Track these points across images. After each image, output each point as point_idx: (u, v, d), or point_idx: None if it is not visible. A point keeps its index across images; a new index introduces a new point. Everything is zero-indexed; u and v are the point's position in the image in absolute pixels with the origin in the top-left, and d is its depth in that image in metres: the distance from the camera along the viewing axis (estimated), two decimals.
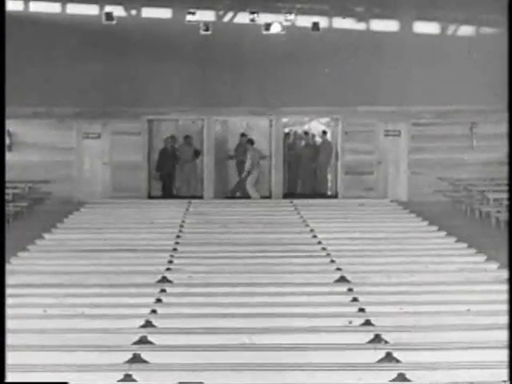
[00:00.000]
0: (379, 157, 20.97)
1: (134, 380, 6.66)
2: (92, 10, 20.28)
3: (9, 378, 6.33)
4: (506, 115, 17.93)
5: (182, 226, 14.49)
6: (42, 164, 20.34)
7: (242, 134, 21.21)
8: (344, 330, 7.97)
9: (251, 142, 20.70)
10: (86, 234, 13.69)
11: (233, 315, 8.34)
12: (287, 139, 22.66)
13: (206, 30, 20.06)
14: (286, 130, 23.22)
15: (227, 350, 7.26)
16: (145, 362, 7.05)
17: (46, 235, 13.60)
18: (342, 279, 10.18)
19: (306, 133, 23.39)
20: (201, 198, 20.50)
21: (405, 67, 20.23)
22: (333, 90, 20.40)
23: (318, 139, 22.82)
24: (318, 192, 21.57)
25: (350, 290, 9.52)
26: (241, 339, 7.57)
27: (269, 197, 20.68)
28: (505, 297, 8.27)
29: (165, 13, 20.59)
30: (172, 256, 11.65)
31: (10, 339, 6.72)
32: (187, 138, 21.33)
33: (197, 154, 21.19)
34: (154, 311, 8.50)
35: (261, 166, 20.61)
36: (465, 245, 12.63)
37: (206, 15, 20.32)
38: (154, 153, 21.42)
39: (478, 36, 20.74)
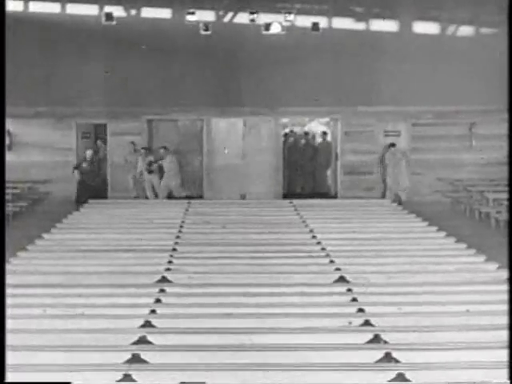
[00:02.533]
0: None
1: (133, 380, 6.67)
2: (92, 10, 20.29)
3: (9, 378, 6.34)
4: (505, 115, 17.99)
5: (181, 227, 14.48)
6: (41, 164, 20.36)
7: (392, 144, 20.65)
8: (343, 330, 7.98)
9: (393, 145, 20.55)
10: (85, 234, 13.68)
11: (232, 315, 8.34)
12: (287, 140, 22.68)
13: (206, 30, 20.07)
14: (287, 131, 23.24)
15: (227, 350, 7.27)
16: (144, 361, 7.06)
17: (46, 235, 13.60)
18: (342, 279, 10.18)
19: (306, 133, 23.41)
20: (201, 198, 20.51)
21: (404, 67, 20.24)
22: (332, 90, 20.40)
23: (319, 139, 22.84)
24: (317, 192, 21.57)
25: (350, 290, 9.53)
26: (241, 339, 7.58)
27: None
28: (504, 297, 8.28)
29: (164, 13, 20.60)
30: (171, 256, 11.65)
31: (9, 339, 6.72)
32: (144, 149, 20.83)
33: (150, 165, 20.55)
34: (153, 311, 8.51)
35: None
36: (464, 245, 12.63)
37: (206, 15, 20.33)
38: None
39: (477, 36, 20.75)
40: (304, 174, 22.19)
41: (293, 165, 21.98)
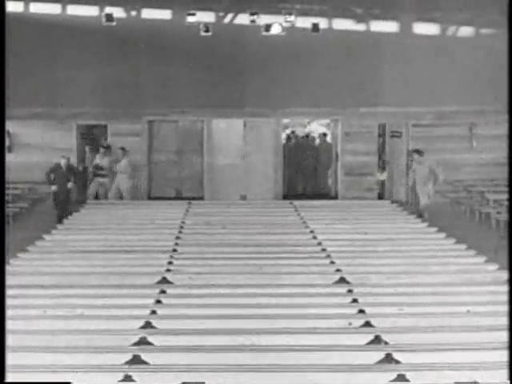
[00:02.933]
0: (383, 157, 21.09)
1: (133, 381, 6.67)
2: (92, 11, 20.29)
3: (9, 378, 6.34)
4: (505, 116, 17.98)
5: (181, 227, 14.49)
6: (42, 165, 20.33)
7: (416, 151, 18.33)
8: (344, 331, 7.98)
9: (419, 152, 18.20)
10: (85, 235, 13.69)
11: (233, 316, 8.34)
12: (289, 141, 22.66)
13: (206, 31, 20.07)
14: (288, 132, 23.23)
15: (227, 351, 7.27)
16: (144, 362, 7.06)
17: (46, 236, 13.61)
18: (342, 280, 10.19)
19: (307, 135, 23.40)
20: (201, 198, 20.51)
21: (405, 68, 20.23)
22: (333, 91, 20.40)
23: (319, 141, 22.84)
24: (318, 193, 21.57)
25: (350, 291, 9.53)
26: (240, 340, 7.58)
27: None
28: (504, 298, 8.29)
29: (165, 14, 20.60)
30: (172, 257, 11.66)
31: (10, 340, 6.72)
32: (104, 148, 19.88)
33: (97, 169, 19.49)
34: (153, 312, 8.52)
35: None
36: (464, 246, 12.64)
37: (206, 16, 20.33)
38: (154, 154, 21.43)
39: (477, 37, 20.76)
40: (305, 176, 22.18)
41: (294, 167, 21.95)
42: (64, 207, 17.51)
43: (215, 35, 20.13)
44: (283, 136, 22.28)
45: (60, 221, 16.17)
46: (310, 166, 22.10)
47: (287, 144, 22.37)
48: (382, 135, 21.30)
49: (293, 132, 23.40)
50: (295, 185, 22.16)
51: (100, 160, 19.77)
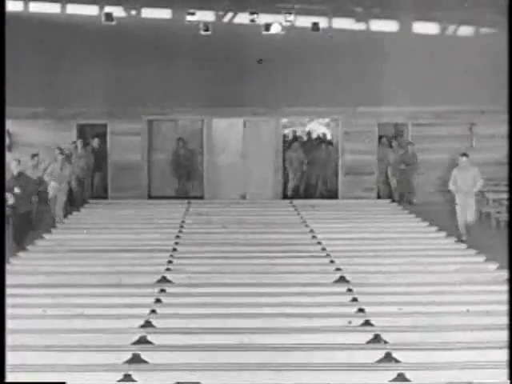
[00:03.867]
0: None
1: (133, 380, 6.67)
2: (92, 10, 20.28)
3: (9, 378, 6.34)
4: (505, 116, 17.97)
5: (181, 227, 14.49)
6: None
7: (463, 154, 16.03)
8: (343, 330, 7.98)
9: (466, 155, 15.97)
10: (85, 234, 13.68)
11: (232, 315, 8.34)
12: (291, 142, 22.56)
13: (206, 30, 20.07)
14: (290, 133, 23.16)
15: (227, 350, 7.27)
16: (144, 362, 7.06)
17: (46, 235, 13.60)
18: (342, 279, 10.19)
19: (308, 137, 23.34)
20: (201, 198, 20.50)
21: (404, 67, 20.22)
22: (333, 91, 20.39)
23: (321, 144, 22.76)
24: (320, 194, 21.56)
25: (350, 290, 9.54)
26: (240, 339, 7.58)
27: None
28: (504, 297, 8.29)
29: (164, 13, 20.60)
30: (172, 256, 11.66)
31: (9, 339, 6.72)
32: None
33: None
34: (153, 311, 8.52)
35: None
36: (464, 245, 12.64)
37: (206, 15, 20.32)
38: (154, 153, 21.43)
39: (477, 36, 20.75)
40: (307, 177, 22.10)
41: (295, 168, 21.83)
42: (23, 227, 14.00)
43: (215, 34, 20.13)
44: (285, 137, 22.25)
45: (19, 244, 13.15)
46: (311, 168, 22.04)
47: (288, 144, 22.31)
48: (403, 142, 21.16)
49: (296, 137, 23.28)
50: (295, 185, 22.12)
51: (29, 169, 15.83)
